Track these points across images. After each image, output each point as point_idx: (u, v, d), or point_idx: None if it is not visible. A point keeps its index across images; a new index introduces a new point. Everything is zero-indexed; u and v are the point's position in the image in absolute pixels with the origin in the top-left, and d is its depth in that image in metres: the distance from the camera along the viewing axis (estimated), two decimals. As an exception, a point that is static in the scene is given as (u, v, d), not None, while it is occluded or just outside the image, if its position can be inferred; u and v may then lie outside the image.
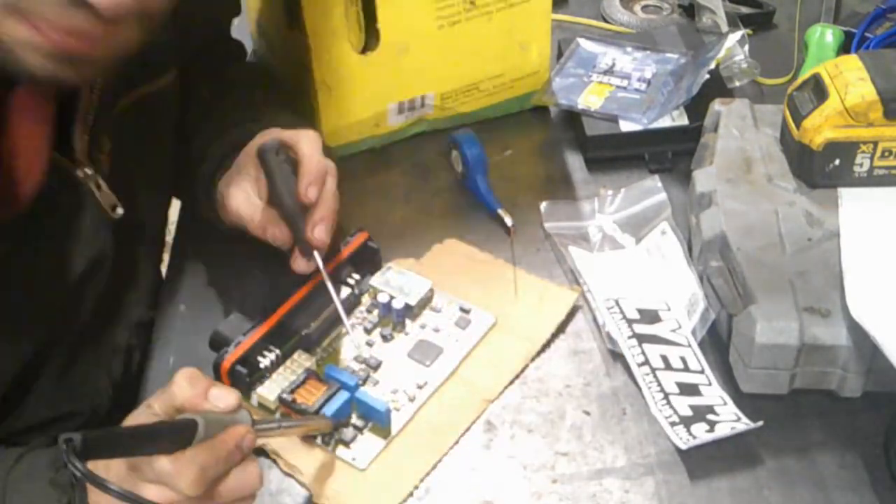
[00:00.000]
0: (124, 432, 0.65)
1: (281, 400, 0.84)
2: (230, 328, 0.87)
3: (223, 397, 0.69)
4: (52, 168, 0.78)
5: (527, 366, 0.90)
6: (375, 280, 0.94)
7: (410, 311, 0.92)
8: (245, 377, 0.84)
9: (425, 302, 0.93)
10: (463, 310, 0.93)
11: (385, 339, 0.91)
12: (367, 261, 0.96)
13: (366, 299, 0.94)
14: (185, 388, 0.68)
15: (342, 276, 0.93)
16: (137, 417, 0.70)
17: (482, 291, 0.95)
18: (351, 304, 0.93)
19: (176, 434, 0.65)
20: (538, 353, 0.91)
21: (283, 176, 0.86)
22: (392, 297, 0.92)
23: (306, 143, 0.87)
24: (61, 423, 0.88)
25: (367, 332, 0.92)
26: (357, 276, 0.94)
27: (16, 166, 0.74)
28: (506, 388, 0.88)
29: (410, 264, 0.98)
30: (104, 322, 0.92)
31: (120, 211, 0.87)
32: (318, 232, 0.85)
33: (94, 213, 0.85)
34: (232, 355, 0.84)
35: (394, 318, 0.92)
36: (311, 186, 0.85)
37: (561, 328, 0.93)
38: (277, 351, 0.87)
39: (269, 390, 0.85)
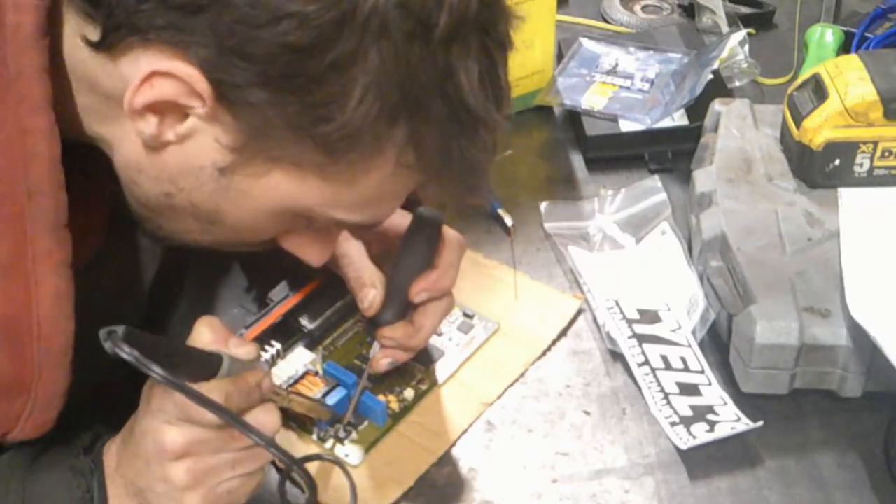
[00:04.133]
0: (161, 339, 0.65)
1: None
2: (233, 322, 0.88)
3: (241, 346, 0.69)
4: (111, 221, 0.78)
5: (527, 369, 0.90)
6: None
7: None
8: None
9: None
10: (466, 315, 0.93)
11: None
12: None
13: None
14: (205, 334, 0.69)
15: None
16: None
17: (486, 297, 0.95)
18: (354, 305, 0.93)
19: (204, 360, 0.66)
20: (538, 357, 0.91)
21: (418, 257, 0.82)
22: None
23: (450, 251, 0.83)
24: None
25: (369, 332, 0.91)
26: None
27: (89, 222, 0.75)
28: (504, 391, 0.88)
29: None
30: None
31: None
32: (391, 341, 0.83)
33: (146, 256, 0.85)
34: None
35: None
36: (425, 292, 0.82)
37: (562, 331, 0.93)
38: (279, 346, 0.87)
39: None
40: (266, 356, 0.86)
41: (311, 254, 0.75)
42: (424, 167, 0.65)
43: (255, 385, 0.68)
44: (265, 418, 0.69)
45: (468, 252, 0.99)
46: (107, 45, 0.62)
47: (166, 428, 0.66)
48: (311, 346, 0.89)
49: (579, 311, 0.94)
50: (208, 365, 0.66)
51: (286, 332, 0.88)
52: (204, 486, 0.67)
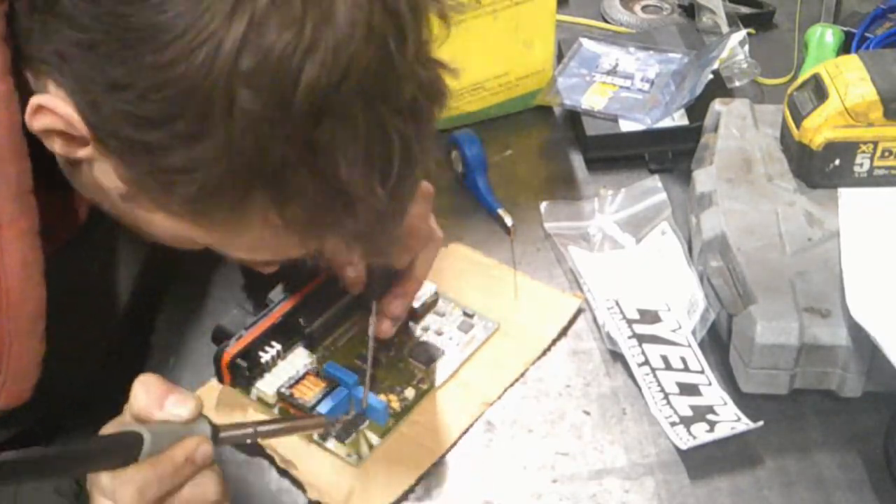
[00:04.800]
0: (54, 453, 0.61)
1: (279, 394, 0.84)
2: (233, 322, 0.87)
3: (180, 404, 0.65)
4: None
5: (527, 368, 0.90)
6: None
7: (414, 314, 0.92)
8: (245, 371, 0.84)
9: (430, 305, 0.93)
10: (466, 315, 0.93)
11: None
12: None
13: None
14: (139, 397, 0.64)
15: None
16: (109, 427, 0.67)
17: (486, 296, 0.95)
18: (354, 304, 0.93)
19: (117, 449, 0.62)
20: (538, 357, 0.91)
21: None
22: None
23: (420, 202, 0.82)
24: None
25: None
26: None
27: (69, 201, 0.75)
28: (505, 391, 0.88)
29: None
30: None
31: None
32: (396, 307, 0.85)
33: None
34: (232, 349, 0.84)
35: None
36: (407, 254, 0.84)
37: (562, 330, 0.93)
38: (279, 347, 0.87)
39: (268, 385, 0.85)
40: (266, 357, 0.86)
41: (255, 264, 0.74)
42: (299, 230, 0.63)
43: (185, 460, 0.63)
44: (200, 492, 0.65)
45: (468, 252, 0.99)
46: (21, 56, 0.62)
47: (101, 501, 0.63)
48: (311, 347, 0.89)
49: (579, 311, 0.94)
50: (125, 450, 0.61)
51: (286, 333, 0.88)
52: None
